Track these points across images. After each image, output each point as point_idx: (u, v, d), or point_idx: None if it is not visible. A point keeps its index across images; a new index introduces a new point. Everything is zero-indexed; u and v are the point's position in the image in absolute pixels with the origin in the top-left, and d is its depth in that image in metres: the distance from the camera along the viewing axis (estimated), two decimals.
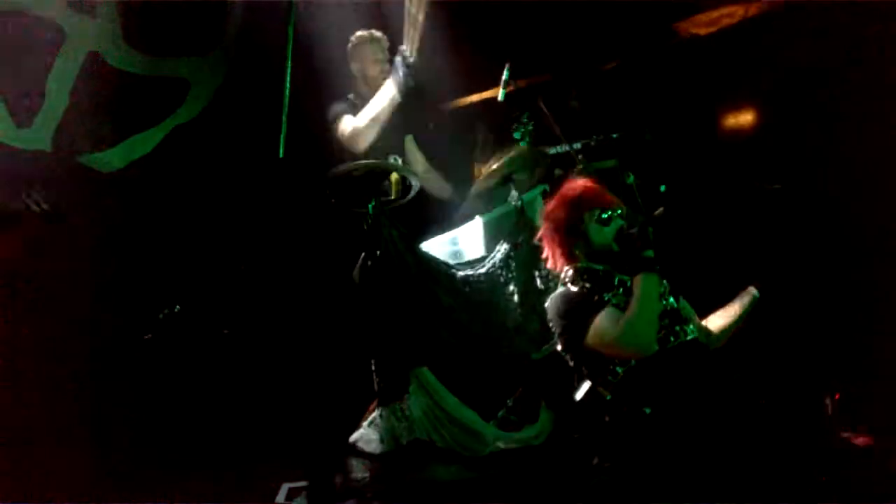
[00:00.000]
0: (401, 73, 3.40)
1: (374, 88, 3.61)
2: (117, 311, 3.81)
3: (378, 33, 3.74)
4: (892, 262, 3.26)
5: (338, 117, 3.59)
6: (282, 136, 2.87)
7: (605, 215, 2.46)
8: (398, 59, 3.43)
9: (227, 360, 3.80)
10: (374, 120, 3.46)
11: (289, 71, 2.87)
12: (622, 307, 2.31)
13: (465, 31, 4.37)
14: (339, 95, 3.72)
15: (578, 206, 2.49)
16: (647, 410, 2.22)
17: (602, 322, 2.30)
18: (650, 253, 2.32)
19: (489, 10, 4.34)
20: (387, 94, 3.46)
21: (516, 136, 3.53)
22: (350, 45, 3.73)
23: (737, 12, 3.97)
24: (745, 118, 3.97)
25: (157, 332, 3.74)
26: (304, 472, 2.97)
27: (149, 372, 3.73)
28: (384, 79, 3.58)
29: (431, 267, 3.19)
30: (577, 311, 2.36)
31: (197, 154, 4.16)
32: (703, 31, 4.09)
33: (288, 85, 2.88)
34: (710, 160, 3.86)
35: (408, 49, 3.43)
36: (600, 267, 2.45)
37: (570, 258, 2.51)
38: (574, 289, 2.43)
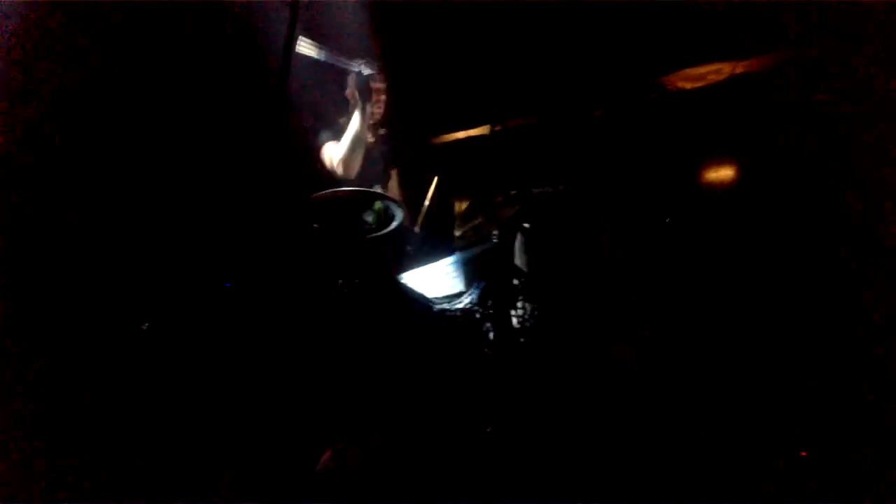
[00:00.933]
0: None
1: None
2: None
3: (372, 66, 3.78)
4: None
5: (323, 144, 3.62)
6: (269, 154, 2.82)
7: None
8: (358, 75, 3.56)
9: (187, 383, 3.70)
10: (355, 143, 3.48)
11: (286, 79, 2.82)
12: None
13: (456, 67, 4.43)
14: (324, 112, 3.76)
15: None
16: None
17: None
18: None
19: (480, 49, 4.40)
20: (357, 120, 3.53)
21: None
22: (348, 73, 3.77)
23: (724, 69, 4.05)
24: (727, 172, 4.03)
25: (124, 350, 3.64)
26: None
27: (105, 390, 3.62)
28: (378, 108, 3.65)
29: (409, 299, 3.17)
30: None
31: (178, 163, 4.09)
32: (689, 86, 4.16)
33: (284, 94, 2.82)
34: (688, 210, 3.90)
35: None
36: None
37: None
38: None
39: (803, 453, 2.41)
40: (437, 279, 3.44)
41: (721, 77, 4.04)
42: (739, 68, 3.99)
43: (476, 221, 3.46)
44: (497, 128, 3.69)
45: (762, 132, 3.78)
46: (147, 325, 3.55)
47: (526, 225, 3.51)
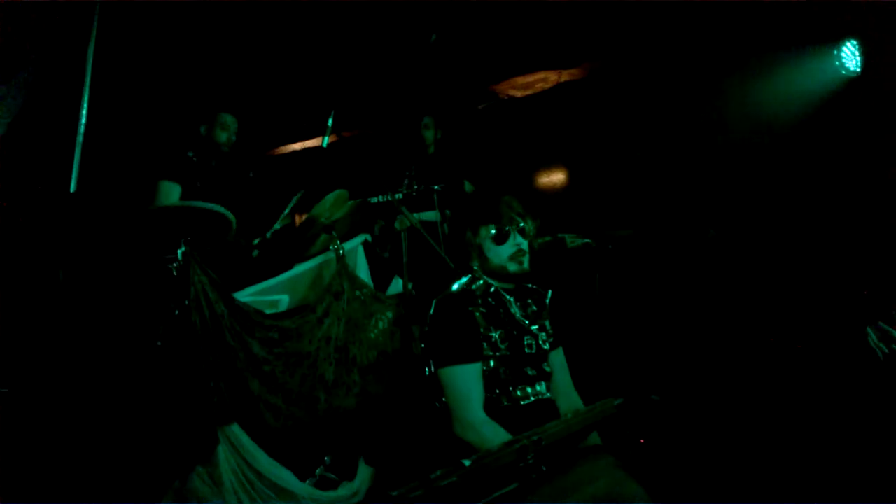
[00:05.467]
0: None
1: (215, 151, 3.69)
2: None
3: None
4: None
5: (164, 177, 3.43)
6: (74, 168, 2.57)
7: (495, 231, 2.31)
8: None
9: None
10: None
11: (86, 96, 2.61)
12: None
13: (294, 82, 4.33)
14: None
15: (472, 219, 2.39)
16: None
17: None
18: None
19: (316, 62, 4.34)
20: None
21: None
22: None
23: (550, 78, 4.21)
24: (557, 175, 4.19)
25: None
26: None
27: None
28: (227, 147, 3.70)
29: (245, 316, 3.00)
30: (444, 321, 2.29)
31: None
32: (519, 94, 4.30)
33: (85, 111, 2.60)
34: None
35: None
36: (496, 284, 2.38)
37: (465, 269, 2.42)
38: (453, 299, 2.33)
39: None
40: (275, 293, 3.29)
41: (548, 85, 4.21)
42: (565, 76, 4.17)
43: (318, 231, 3.34)
44: (333, 138, 3.62)
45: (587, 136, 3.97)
46: None
47: (367, 237, 3.46)
